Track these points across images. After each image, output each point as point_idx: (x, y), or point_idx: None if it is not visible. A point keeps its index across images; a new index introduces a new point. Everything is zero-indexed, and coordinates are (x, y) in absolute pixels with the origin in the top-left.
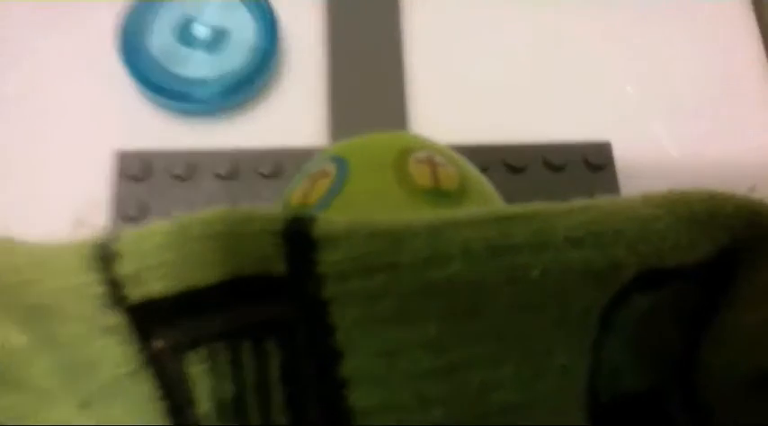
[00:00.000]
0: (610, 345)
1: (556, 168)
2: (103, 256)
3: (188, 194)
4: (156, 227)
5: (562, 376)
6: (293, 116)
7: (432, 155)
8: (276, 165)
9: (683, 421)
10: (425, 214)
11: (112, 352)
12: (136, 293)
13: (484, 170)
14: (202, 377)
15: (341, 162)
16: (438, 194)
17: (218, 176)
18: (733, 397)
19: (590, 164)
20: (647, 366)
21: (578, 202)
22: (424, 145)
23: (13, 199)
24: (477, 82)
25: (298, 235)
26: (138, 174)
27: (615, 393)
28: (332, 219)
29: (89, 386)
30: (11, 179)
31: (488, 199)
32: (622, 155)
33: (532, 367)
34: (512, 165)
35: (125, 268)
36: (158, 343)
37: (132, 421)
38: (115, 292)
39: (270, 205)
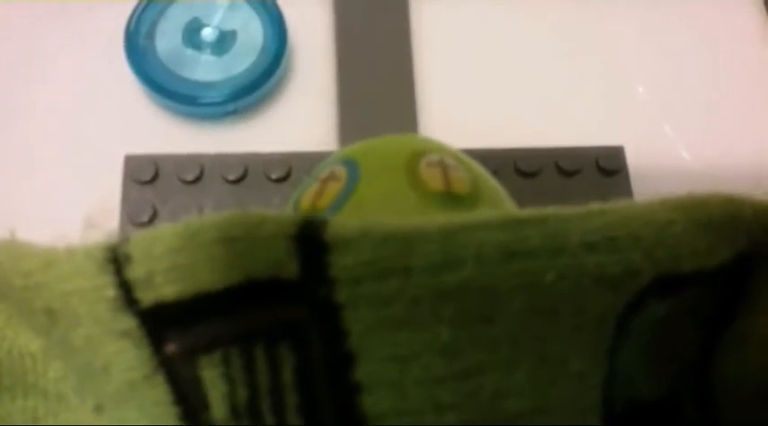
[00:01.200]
0: (625, 352)
1: (568, 173)
2: (114, 259)
3: (197, 198)
4: (167, 231)
5: (577, 383)
6: (302, 120)
7: (443, 158)
8: (285, 169)
9: None
10: (437, 217)
11: (125, 356)
12: (148, 296)
13: (495, 174)
14: (216, 382)
15: (351, 165)
16: (450, 198)
17: (227, 180)
18: (747, 409)
19: (603, 169)
20: (664, 374)
21: (594, 206)
22: (436, 147)
23: (24, 204)
24: (488, 85)
25: (310, 239)
26: (148, 178)
27: (630, 401)
28: (344, 223)
29: (103, 389)
30: (20, 183)
31: (501, 203)
32: (635, 159)
33: (547, 373)
34: (523, 170)
35: (136, 271)
36: (172, 347)
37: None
38: (127, 296)
39: (280, 209)
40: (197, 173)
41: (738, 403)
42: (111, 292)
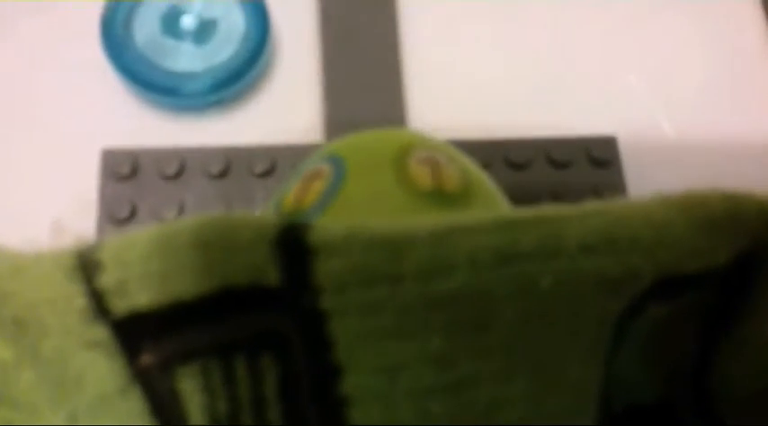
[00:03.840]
0: (623, 356)
1: (559, 164)
2: (84, 266)
3: (178, 194)
4: (141, 235)
5: (575, 390)
6: (287, 111)
7: (433, 153)
8: (270, 163)
9: None
10: (428, 219)
11: (98, 368)
12: (120, 305)
13: (485, 167)
14: (194, 394)
15: (337, 161)
16: (440, 196)
17: (210, 175)
18: (748, 411)
19: (595, 160)
20: (662, 376)
21: (591, 206)
22: (425, 143)
23: None
24: (477, 75)
25: (292, 244)
26: (126, 173)
27: (628, 404)
28: (328, 227)
29: (76, 401)
30: None
31: (493, 201)
32: (629, 149)
33: (544, 382)
34: (514, 162)
35: (107, 279)
36: (147, 358)
37: None
38: (98, 305)
39: (262, 210)
40: (177, 168)
41: (736, 406)
42: (80, 301)
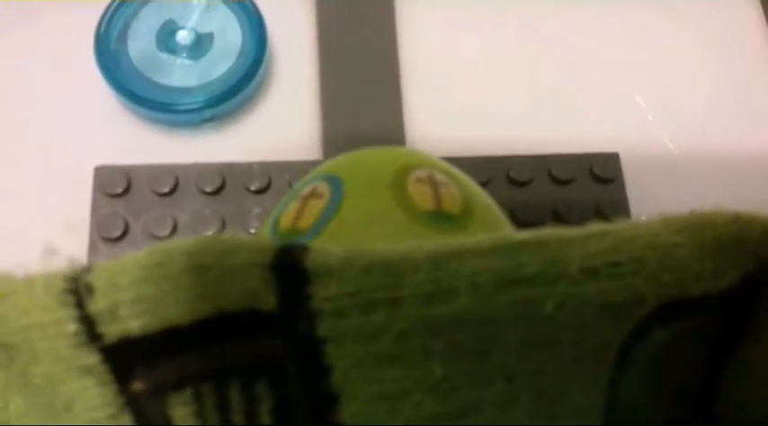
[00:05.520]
0: (627, 381)
1: (562, 181)
2: (76, 290)
3: (171, 211)
4: (133, 259)
5: (578, 416)
6: (283, 127)
7: (432, 173)
8: (265, 180)
9: None
10: (427, 241)
11: (88, 395)
12: (112, 331)
13: (486, 183)
14: (187, 421)
15: (335, 181)
16: (440, 218)
17: (204, 192)
18: None
19: (597, 177)
20: (665, 401)
21: (594, 228)
22: (424, 161)
23: None
24: (478, 91)
25: (288, 268)
26: (119, 191)
27: None
28: (326, 250)
29: None
30: None
31: (493, 221)
32: (631, 166)
33: (546, 409)
34: (515, 178)
35: (99, 304)
36: (139, 385)
37: None
38: (89, 330)
39: (257, 229)
40: (171, 185)
41: None
42: (71, 327)
